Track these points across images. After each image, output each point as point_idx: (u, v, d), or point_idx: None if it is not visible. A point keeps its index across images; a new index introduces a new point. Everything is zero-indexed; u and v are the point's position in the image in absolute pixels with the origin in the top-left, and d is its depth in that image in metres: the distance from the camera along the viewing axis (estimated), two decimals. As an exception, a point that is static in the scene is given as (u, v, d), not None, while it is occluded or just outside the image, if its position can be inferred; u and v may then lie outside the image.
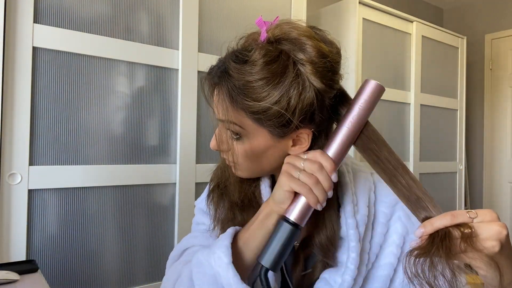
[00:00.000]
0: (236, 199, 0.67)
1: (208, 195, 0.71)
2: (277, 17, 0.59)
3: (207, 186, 0.74)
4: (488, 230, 0.46)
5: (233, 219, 0.66)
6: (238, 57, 0.56)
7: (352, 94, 0.62)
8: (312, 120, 0.56)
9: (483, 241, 0.46)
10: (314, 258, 0.65)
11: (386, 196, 0.67)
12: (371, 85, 0.58)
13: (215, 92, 0.59)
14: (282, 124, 0.55)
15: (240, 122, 0.56)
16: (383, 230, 0.65)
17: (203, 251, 0.60)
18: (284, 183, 0.55)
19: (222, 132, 0.60)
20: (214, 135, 0.62)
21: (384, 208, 0.66)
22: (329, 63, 0.55)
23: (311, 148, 0.59)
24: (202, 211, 0.76)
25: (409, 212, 0.66)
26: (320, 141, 0.59)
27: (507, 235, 0.47)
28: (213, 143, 0.62)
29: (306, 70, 0.54)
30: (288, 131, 0.56)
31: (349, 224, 0.61)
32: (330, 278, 0.61)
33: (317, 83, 0.54)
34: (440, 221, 0.48)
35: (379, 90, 0.58)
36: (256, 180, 0.68)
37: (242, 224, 0.64)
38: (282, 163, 0.59)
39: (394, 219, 0.66)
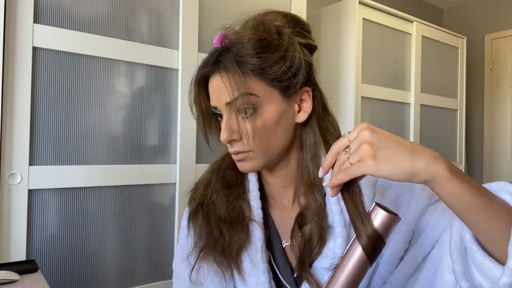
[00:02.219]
0: (223, 215, 0.64)
1: (190, 216, 0.68)
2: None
3: (186, 209, 0.71)
4: (357, 141, 0.47)
5: (220, 238, 0.63)
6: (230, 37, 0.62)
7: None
8: (309, 78, 0.63)
9: (360, 148, 0.47)
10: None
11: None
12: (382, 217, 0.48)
13: (215, 81, 0.61)
14: (290, 78, 0.59)
15: (254, 89, 0.58)
16: None
17: None
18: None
19: (230, 121, 0.60)
20: (223, 128, 0.61)
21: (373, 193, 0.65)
22: (301, 24, 0.65)
23: (313, 108, 0.64)
24: (183, 245, 0.71)
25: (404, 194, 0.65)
26: (316, 100, 0.65)
27: (372, 130, 0.47)
28: (224, 135, 0.60)
29: (288, 32, 0.62)
30: (295, 88, 0.61)
31: (334, 210, 0.62)
32: (321, 266, 0.62)
33: (302, 40, 0.63)
34: (338, 178, 0.48)
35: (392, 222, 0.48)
36: (243, 193, 0.67)
37: (229, 244, 0.62)
38: (291, 141, 0.64)
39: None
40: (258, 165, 0.62)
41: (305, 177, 0.65)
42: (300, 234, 0.64)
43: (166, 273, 1.43)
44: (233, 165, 0.69)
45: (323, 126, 0.64)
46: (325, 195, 0.65)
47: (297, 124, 0.64)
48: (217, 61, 0.60)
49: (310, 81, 0.64)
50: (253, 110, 0.59)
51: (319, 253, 0.62)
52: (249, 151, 0.61)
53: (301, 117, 0.63)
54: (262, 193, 0.70)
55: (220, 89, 0.59)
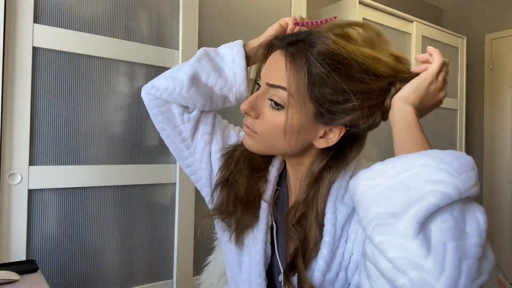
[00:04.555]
0: (241, 195, 0.68)
1: (216, 186, 0.72)
2: (335, 17, 0.63)
3: (223, 161, 0.74)
4: None
5: (233, 213, 0.68)
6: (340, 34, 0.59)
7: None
8: (353, 124, 0.59)
9: None
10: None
11: None
12: None
13: (276, 57, 0.60)
14: (331, 111, 0.57)
15: (297, 93, 0.56)
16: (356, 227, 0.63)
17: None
18: None
19: (259, 98, 0.61)
20: (248, 100, 0.61)
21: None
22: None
23: (339, 145, 0.61)
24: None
25: None
26: (348, 142, 0.62)
27: None
28: (245, 105, 0.61)
29: (394, 90, 0.59)
30: (334, 120, 0.58)
31: (328, 219, 0.62)
32: (311, 268, 0.63)
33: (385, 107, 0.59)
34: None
35: None
36: (264, 175, 0.70)
37: (240, 220, 0.67)
38: (301, 150, 0.63)
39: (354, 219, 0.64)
40: (257, 148, 0.64)
41: (311, 186, 0.64)
42: (297, 234, 0.65)
43: (166, 273, 1.43)
44: None
45: (331, 166, 0.63)
46: (328, 193, 0.64)
47: (311, 144, 0.62)
48: (293, 43, 0.58)
49: (351, 126, 0.60)
50: (281, 106, 0.58)
51: (313, 257, 0.62)
52: (256, 133, 0.62)
53: (321, 143, 0.61)
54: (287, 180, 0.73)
55: (273, 68, 0.59)
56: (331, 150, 0.63)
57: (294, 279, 0.62)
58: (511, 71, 3.18)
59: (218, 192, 0.72)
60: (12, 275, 0.90)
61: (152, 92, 0.73)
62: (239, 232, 0.69)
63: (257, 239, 0.67)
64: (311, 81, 0.55)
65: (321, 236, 0.62)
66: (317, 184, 0.63)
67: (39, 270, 0.99)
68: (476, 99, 3.38)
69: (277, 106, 0.58)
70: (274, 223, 0.69)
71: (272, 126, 0.59)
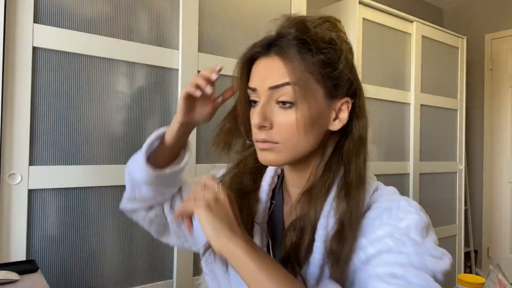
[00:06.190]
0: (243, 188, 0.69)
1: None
2: None
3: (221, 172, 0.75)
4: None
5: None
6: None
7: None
8: (350, 87, 0.62)
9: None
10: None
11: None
12: None
13: (264, 62, 0.60)
14: (336, 83, 0.59)
15: (302, 82, 0.57)
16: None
17: None
18: None
19: (267, 107, 0.59)
20: (258, 112, 0.59)
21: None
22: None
23: (349, 122, 0.62)
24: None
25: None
26: (353, 115, 0.63)
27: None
28: (257, 119, 0.58)
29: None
30: (339, 92, 0.60)
31: (320, 224, 0.60)
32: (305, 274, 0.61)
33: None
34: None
35: None
36: (254, 196, 0.70)
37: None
38: (319, 142, 0.62)
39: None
40: (281, 159, 0.60)
41: (313, 186, 0.63)
42: (292, 239, 0.62)
43: (166, 273, 1.43)
44: (252, 170, 0.71)
45: (349, 146, 0.62)
46: (322, 208, 0.62)
47: (327, 131, 0.62)
48: (271, 44, 0.59)
49: (354, 93, 0.62)
50: (292, 103, 0.57)
51: (306, 262, 0.61)
52: (277, 143, 0.59)
53: (336, 125, 0.62)
54: (282, 192, 0.71)
55: (268, 72, 0.58)
56: (335, 153, 0.63)
57: None
58: (511, 71, 3.18)
59: None
60: (12, 275, 0.90)
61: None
62: None
63: None
64: (307, 64, 0.57)
65: (311, 251, 0.60)
66: (315, 197, 0.62)
67: (39, 270, 0.99)
68: (476, 99, 3.38)
69: (287, 104, 0.57)
70: (270, 240, 0.67)
71: (290, 127, 0.58)
